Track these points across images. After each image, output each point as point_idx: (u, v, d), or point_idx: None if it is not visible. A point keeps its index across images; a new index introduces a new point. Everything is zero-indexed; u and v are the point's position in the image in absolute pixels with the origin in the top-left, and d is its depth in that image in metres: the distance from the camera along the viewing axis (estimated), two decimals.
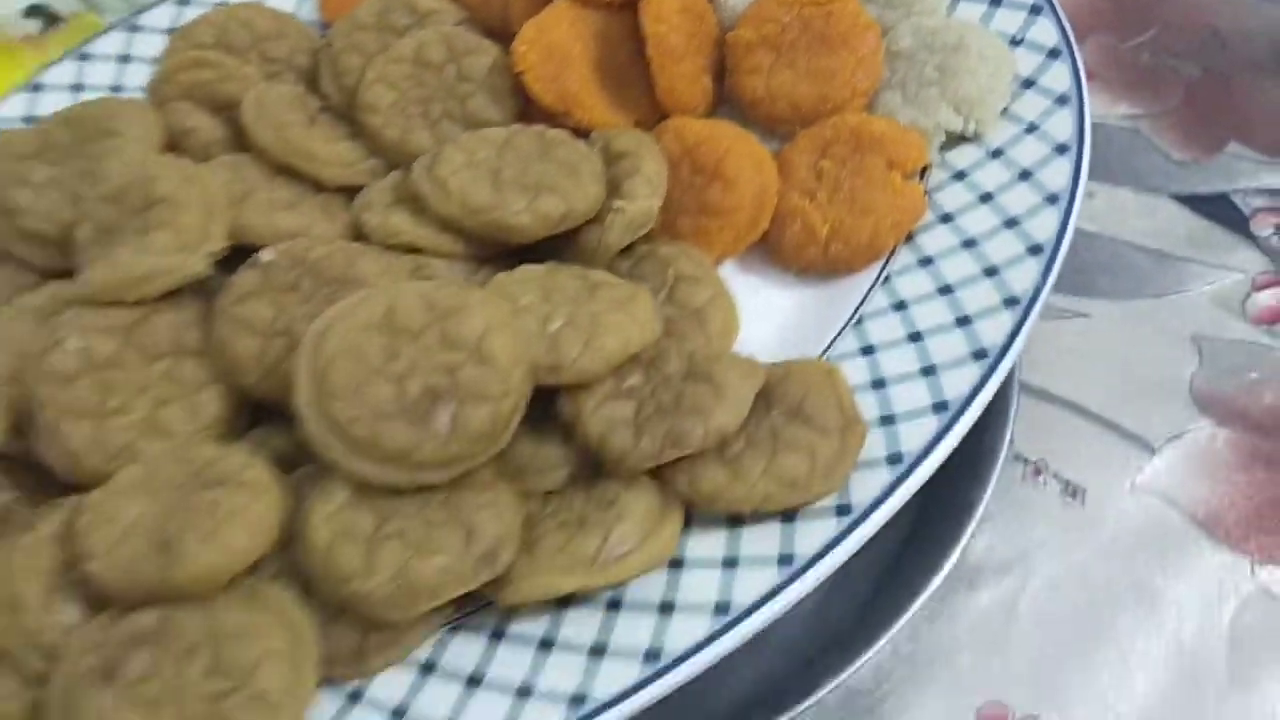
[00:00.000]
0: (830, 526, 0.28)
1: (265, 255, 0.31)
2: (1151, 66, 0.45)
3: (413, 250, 0.33)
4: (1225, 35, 0.45)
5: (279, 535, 0.28)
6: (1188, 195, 0.41)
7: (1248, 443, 0.35)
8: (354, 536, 0.27)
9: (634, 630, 0.27)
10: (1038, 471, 0.35)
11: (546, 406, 0.30)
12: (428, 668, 0.28)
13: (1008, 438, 0.33)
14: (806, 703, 0.31)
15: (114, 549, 0.27)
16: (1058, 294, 0.39)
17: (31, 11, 0.52)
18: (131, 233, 0.31)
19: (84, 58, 0.40)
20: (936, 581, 0.31)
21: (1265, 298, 0.38)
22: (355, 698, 0.27)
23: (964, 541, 0.32)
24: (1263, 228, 0.40)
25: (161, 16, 0.41)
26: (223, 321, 0.31)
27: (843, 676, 0.31)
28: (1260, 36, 0.45)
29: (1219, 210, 0.41)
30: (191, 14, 0.41)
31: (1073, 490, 0.35)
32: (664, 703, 0.27)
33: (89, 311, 0.31)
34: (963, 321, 0.31)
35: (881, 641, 0.32)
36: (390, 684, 0.28)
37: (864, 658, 0.32)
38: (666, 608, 0.27)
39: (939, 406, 0.29)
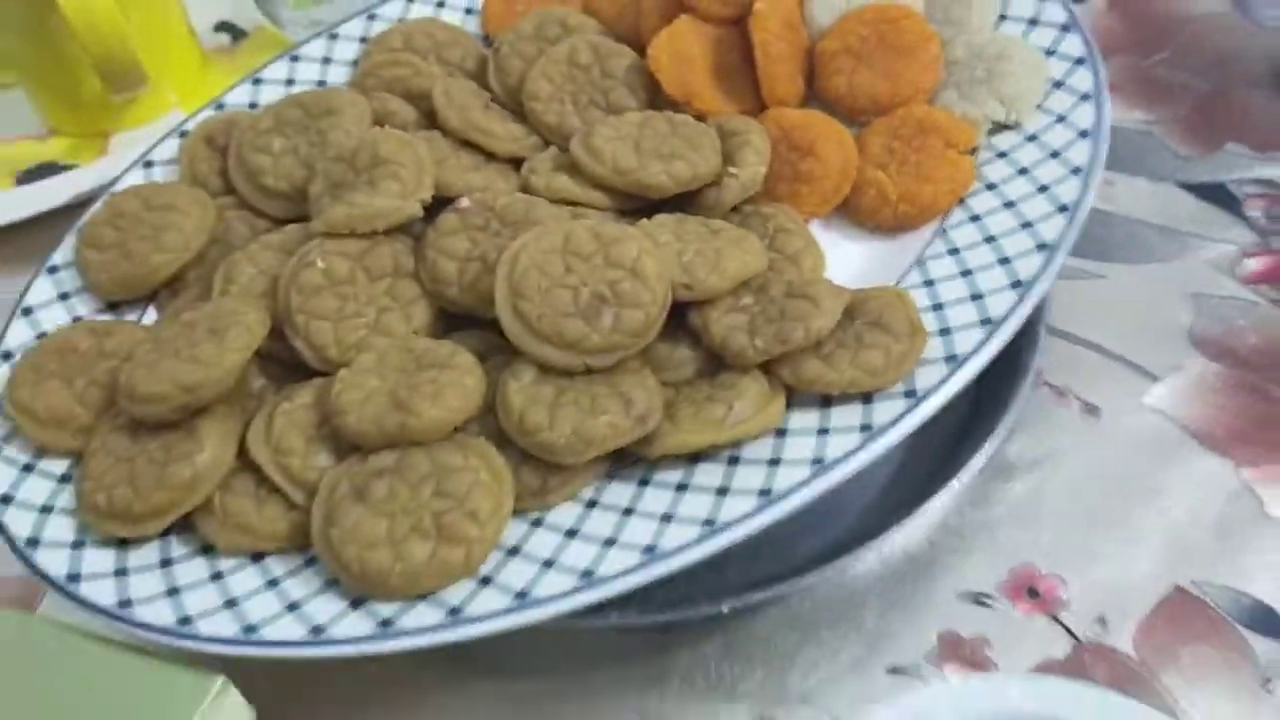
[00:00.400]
0: (899, 405, 0.36)
1: (462, 203, 0.41)
2: (1165, 81, 0.54)
3: (570, 204, 0.42)
4: (1228, 56, 0.54)
5: (482, 403, 0.37)
6: (1191, 183, 0.50)
7: (1234, 374, 0.43)
8: (540, 402, 0.36)
9: (750, 477, 0.36)
10: (1061, 394, 0.44)
11: (680, 318, 0.39)
12: (592, 504, 0.36)
13: (1035, 364, 0.41)
14: (874, 551, 0.39)
15: (360, 407, 0.36)
16: (1081, 259, 0.47)
17: (220, 27, 0.62)
18: (362, 184, 0.41)
19: (294, 59, 0.50)
20: (979, 463, 0.39)
21: (1252, 264, 0.47)
22: (538, 523, 0.36)
23: (1001, 438, 0.40)
24: (1252, 209, 0.48)
25: (355, 27, 0.51)
26: (431, 251, 0.40)
27: (903, 536, 0.40)
28: (1259, 58, 0.54)
29: (1217, 195, 0.49)
30: (379, 27, 0.51)
31: (1090, 408, 0.43)
32: (772, 544, 0.36)
33: (330, 241, 0.40)
34: (1003, 261, 0.39)
35: (934, 511, 0.40)
36: (564, 514, 0.36)
37: (920, 524, 0.40)
38: (774, 462, 0.36)
39: (984, 322, 0.37)
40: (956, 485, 0.39)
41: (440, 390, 0.36)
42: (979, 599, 0.39)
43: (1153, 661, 0.37)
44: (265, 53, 0.50)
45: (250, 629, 0.34)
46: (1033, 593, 0.39)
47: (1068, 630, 0.38)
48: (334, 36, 0.51)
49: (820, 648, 0.31)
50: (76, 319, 0.43)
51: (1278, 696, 0.36)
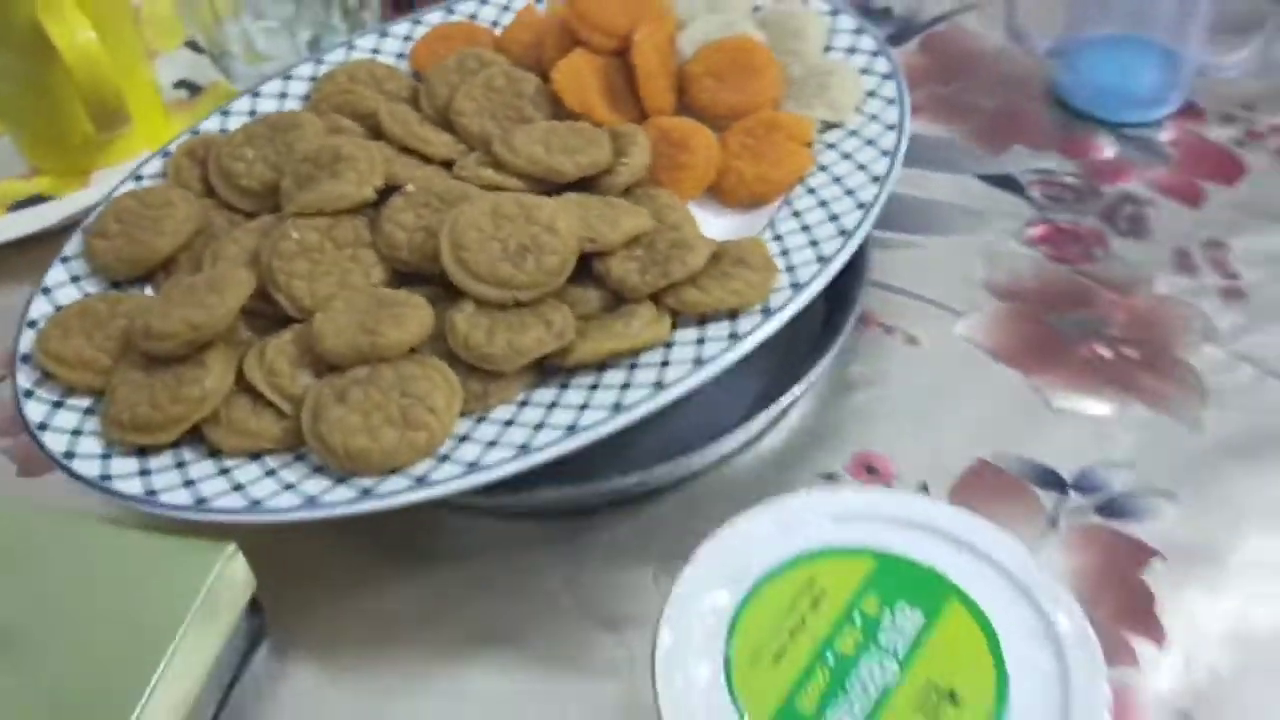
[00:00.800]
0: (758, 319, 0.47)
1: (409, 187, 0.51)
2: (962, 102, 0.67)
3: (495, 189, 0.53)
4: (1010, 80, 0.69)
5: (432, 331, 0.47)
6: (985, 174, 0.63)
7: (1020, 309, 0.56)
8: (480, 327, 0.46)
9: (646, 374, 0.46)
10: (889, 331, 0.55)
11: (586, 268, 0.49)
12: (523, 403, 0.46)
13: (860, 299, 0.52)
14: (751, 450, 0.50)
15: (337, 334, 0.46)
16: (901, 233, 0.60)
17: (179, 84, 0.72)
18: (325, 177, 0.51)
19: (255, 95, 0.61)
20: (826, 362, 0.50)
21: (1032, 230, 0.59)
22: (481, 419, 0.46)
23: (837, 352, 0.51)
24: (1033, 191, 0.62)
25: (305, 69, 0.62)
26: (385, 224, 0.50)
27: (771, 438, 0.51)
28: (1035, 81, 0.68)
29: (1005, 182, 0.62)
30: (325, 69, 0.62)
31: (911, 339, 0.55)
32: (670, 437, 0.46)
33: (302, 219, 0.50)
34: (833, 218, 0.51)
35: (793, 418, 0.51)
36: (502, 411, 0.46)
37: (783, 428, 0.51)
38: (664, 364, 0.46)
39: (820, 259, 0.49)
40: (807, 391, 0.50)
41: (400, 318, 0.46)
42: (830, 476, 0.50)
43: None
44: (218, 105, 0.60)
45: (256, 503, 0.43)
46: (871, 469, 0.50)
47: None
48: (288, 78, 0.61)
49: (710, 520, 0.41)
50: (86, 295, 0.52)
51: (1061, 531, 0.47)
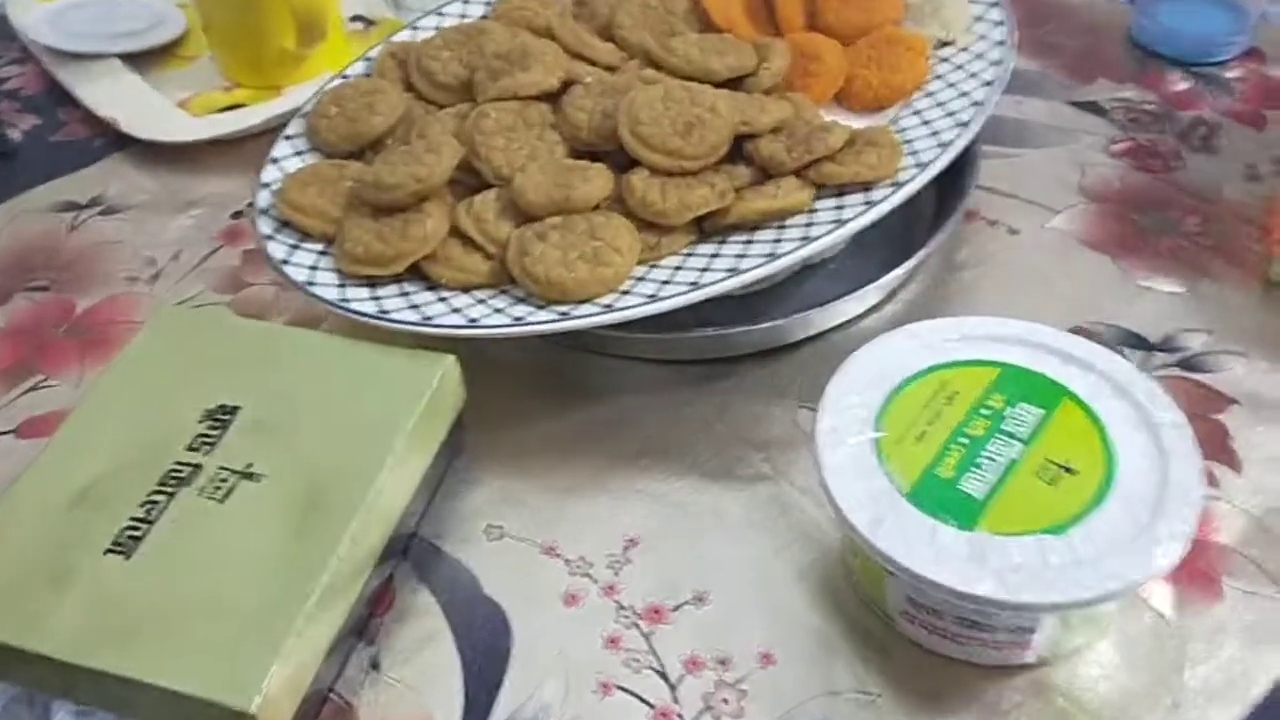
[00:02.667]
0: (889, 190, 0.55)
1: (587, 78, 0.60)
2: (1053, 42, 0.76)
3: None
4: (1096, 25, 0.77)
5: (613, 193, 0.56)
6: (1074, 101, 0.71)
7: (1107, 208, 0.64)
8: (654, 187, 0.55)
9: (793, 232, 0.54)
10: (992, 224, 0.63)
11: (740, 149, 0.58)
12: (689, 254, 0.55)
13: (969, 190, 0.61)
14: (866, 301, 0.58)
15: (536, 188, 0.54)
16: (1003, 146, 0.68)
17: (355, 18, 0.82)
18: (516, 70, 0.60)
19: (440, 14, 0.69)
20: (938, 240, 0.58)
21: (1117, 146, 0.68)
22: (654, 266, 0.54)
23: (950, 226, 0.59)
24: (1116, 115, 0.70)
25: None
26: (567, 108, 0.58)
27: (891, 307, 0.59)
28: (1117, 25, 0.77)
29: (1092, 108, 0.71)
30: None
31: (1013, 230, 0.63)
32: (803, 290, 0.55)
33: (498, 104, 0.59)
34: (949, 114, 0.59)
35: (909, 292, 0.59)
36: (671, 260, 0.54)
37: (902, 299, 0.59)
38: (809, 224, 0.54)
39: (940, 145, 0.57)
40: (921, 266, 0.59)
41: (588, 178, 0.55)
42: None
43: None
44: (386, 36, 0.69)
45: (473, 321, 0.52)
46: None
47: None
48: (466, 0, 0.70)
49: (838, 372, 0.49)
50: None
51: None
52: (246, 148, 0.70)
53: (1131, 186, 0.65)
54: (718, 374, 0.57)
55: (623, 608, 0.48)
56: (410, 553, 0.51)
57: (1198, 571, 0.48)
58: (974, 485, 0.44)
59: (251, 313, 0.62)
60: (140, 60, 0.78)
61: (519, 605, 0.49)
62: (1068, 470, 0.44)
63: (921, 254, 0.58)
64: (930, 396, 0.47)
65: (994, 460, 0.45)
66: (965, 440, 0.45)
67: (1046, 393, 0.47)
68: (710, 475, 0.53)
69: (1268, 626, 0.46)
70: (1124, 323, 0.58)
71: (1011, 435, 0.45)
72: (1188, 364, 0.56)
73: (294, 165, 0.61)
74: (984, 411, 0.46)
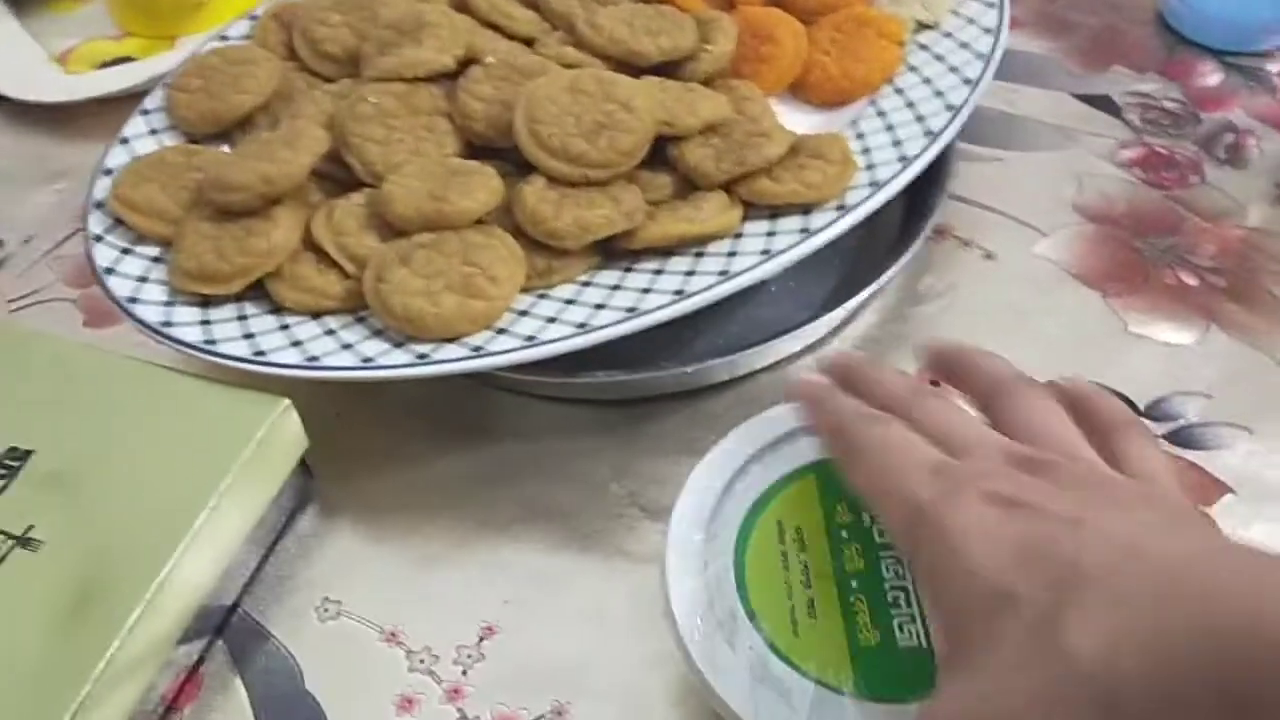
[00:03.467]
0: (832, 215, 0.46)
1: (488, 59, 0.50)
2: (1065, 18, 0.65)
3: (574, 68, 0.52)
4: (1116, 1, 0.66)
5: (502, 203, 0.47)
6: (1081, 94, 0.61)
7: (1106, 231, 0.53)
8: (549, 201, 0.45)
9: (712, 263, 0.45)
10: (965, 243, 0.54)
11: (661, 153, 0.48)
12: (586, 284, 0.46)
13: (940, 204, 0.51)
14: (805, 339, 0.49)
15: (405, 197, 0.45)
16: (982, 145, 0.58)
17: None
18: (407, 43, 0.50)
19: None
20: (896, 269, 0.49)
21: (1127, 153, 0.57)
22: (543, 296, 0.45)
23: (913, 250, 0.49)
24: (1130, 113, 0.59)
25: None
26: (462, 93, 0.49)
27: (837, 343, 0.50)
28: (1143, 3, 0.66)
29: (1102, 103, 0.60)
30: None
31: (988, 254, 0.53)
32: (730, 334, 0.46)
33: (379, 85, 0.49)
34: (919, 119, 0.49)
35: (860, 325, 0.50)
36: (564, 290, 0.45)
37: (849, 335, 0.50)
38: (731, 254, 0.45)
39: (902, 159, 0.47)
40: (875, 298, 0.49)
41: (469, 188, 0.46)
42: None
43: None
44: None
45: (313, 359, 0.43)
46: (934, 384, 0.49)
47: None
48: None
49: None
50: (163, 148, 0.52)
51: None
52: (127, 110, 0.61)
53: (1139, 206, 0.55)
54: (625, 417, 0.49)
55: (465, 718, 0.40)
56: (227, 630, 0.43)
57: None
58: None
59: (101, 315, 0.54)
60: (24, 2, 0.69)
61: (343, 707, 0.41)
62: None
63: (873, 286, 0.49)
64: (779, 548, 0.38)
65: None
66: (857, 584, 0.36)
67: None
68: (594, 550, 0.45)
69: None
70: (1109, 379, 0.48)
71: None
72: (1179, 437, 0.46)
73: (148, 147, 0.52)
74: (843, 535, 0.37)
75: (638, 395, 0.49)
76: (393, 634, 0.43)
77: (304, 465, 0.46)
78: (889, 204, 0.52)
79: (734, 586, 0.36)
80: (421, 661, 0.42)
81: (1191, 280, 0.52)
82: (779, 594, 0.36)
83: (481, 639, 0.42)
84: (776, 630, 0.35)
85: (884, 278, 0.48)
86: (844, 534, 0.37)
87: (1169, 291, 0.51)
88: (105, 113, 0.63)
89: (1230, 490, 0.45)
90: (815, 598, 0.36)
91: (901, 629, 0.35)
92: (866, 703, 0.33)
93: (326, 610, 0.44)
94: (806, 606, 0.36)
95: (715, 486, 0.39)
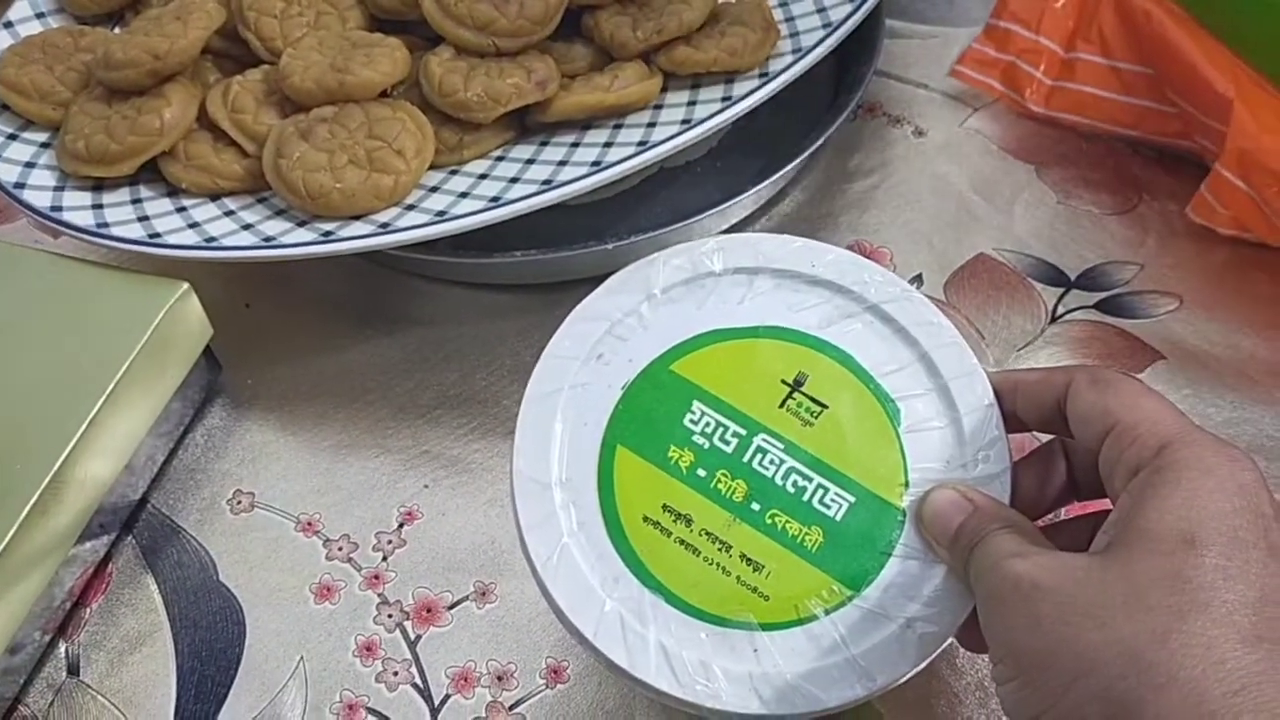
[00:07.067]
0: (754, 83, 0.44)
1: None
2: None
3: None
4: None
5: (408, 75, 0.44)
6: None
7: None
8: (457, 72, 0.43)
9: (631, 134, 0.43)
10: (895, 121, 0.52)
11: (575, 25, 0.46)
12: (500, 158, 0.44)
13: (868, 79, 0.49)
14: (732, 216, 0.47)
15: (305, 71, 0.43)
16: (914, 21, 0.56)
17: None
18: None
19: None
20: (820, 143, 0.47)
21: None
22: (454, 172, 0.44)
23: (838, 124, 0.48)
24: None
25: None
26: None
27: (753, 205, 0.48)
28: None
29: None
30: None
31: (919, 130, 0.52)
32: (656, 204, 0.44)
33: None
34: None
35: (788, 204, 0.49)
36: (477, 165, 0.44)
37: (778, 213, 0.49)
38: (651, 125, 0.44)
39: (826, 25, 0.46)
40: (802, 175, 0.48)
41: (373, 59, 0.43)
42: None
43: (955, 300, 0.46)
44: None
45: (211, 239, 0.41)
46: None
47: None
48: None
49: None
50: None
51: (1060, 326, 0.45)
52: None
53: None
54: (546, 303, 0.47)
55: (386, 603, 0.39)
56: (136, 526, 0.41)
57: None
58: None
59: None
60: None
61: (259, 598, 0.40)
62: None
63: (798, 161, 0.47)
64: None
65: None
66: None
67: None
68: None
69: None
70: (1038, 250, 0.48)
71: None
72: (1110, 306, 0.46)
73: (33, 31, 0.49)
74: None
75: (558, 278, 0.47)
76: (309, 524, 0.41)
77: (210, 356, 0.44)
78: (817, 82, 0.51)
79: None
80: (340, 549, 0.41)
81: (1128, 152, 0.51)
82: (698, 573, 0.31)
83: (401, 525, 0.41)
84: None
85: (807, 151, 0.47)
86: (700, 474, 0.31)
87: (1106, 163, 0.50)
88: None
89: (1161, 355, 0.44)
90: (735, 546, 0.31)
91: (829, 505, 0.31)
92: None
93: (239, 502, 0.42)
94: (742, 560, 0.31)
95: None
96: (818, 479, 0.31)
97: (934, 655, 0.30)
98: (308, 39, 0.45)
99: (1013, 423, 0.32)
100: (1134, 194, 0.49)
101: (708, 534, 0.31)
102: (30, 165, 0.44)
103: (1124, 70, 0.50)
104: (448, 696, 0.37)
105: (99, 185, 0.43)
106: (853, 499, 0.31)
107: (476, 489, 0.42)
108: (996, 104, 0.52)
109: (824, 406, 0.32)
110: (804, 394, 0.32)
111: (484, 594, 0.39)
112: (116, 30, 0.49)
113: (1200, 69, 0.45)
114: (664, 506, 0.31)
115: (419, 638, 0.38)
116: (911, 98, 0.53)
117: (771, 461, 0.31)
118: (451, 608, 0.39)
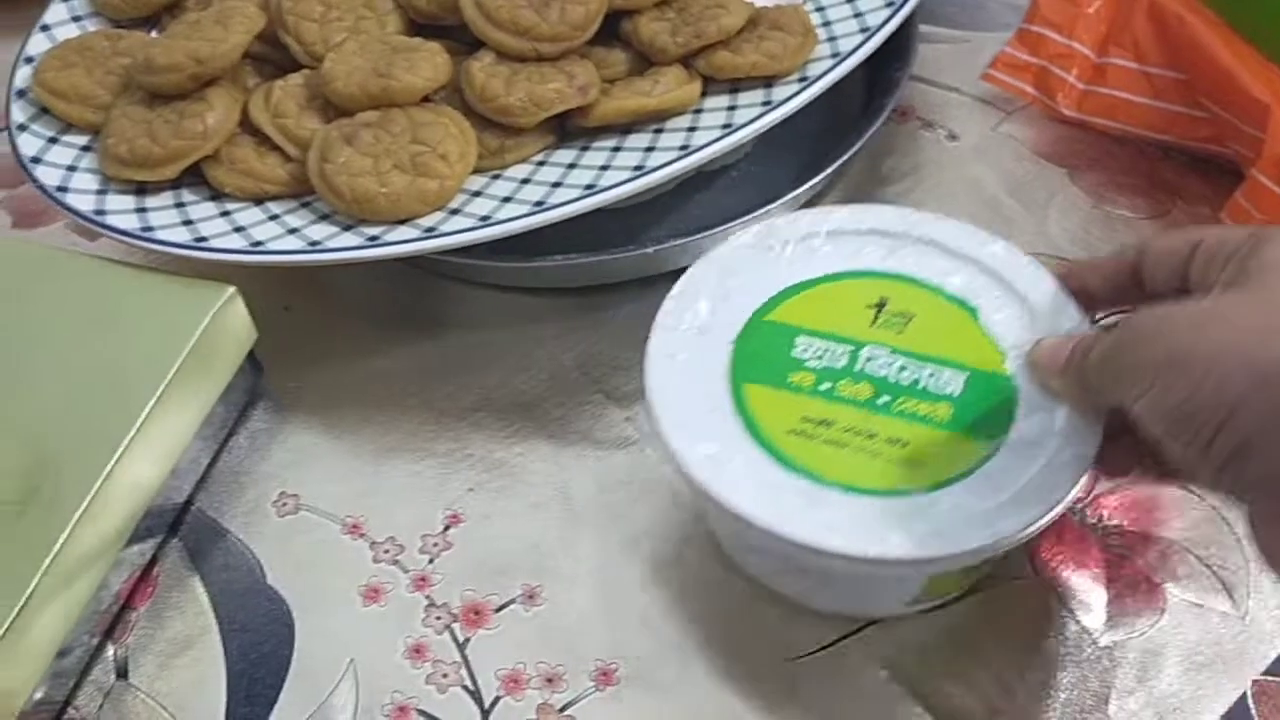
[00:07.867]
0: (794, 87, 0.44)
1: None
2: None
3: None
4: None
5: (449, 80, 0.44)
6: None
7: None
8: (499, 76, 0.44)
9: (671, 139, 0.43)
10: (928, 125, 0.53)
11: (615, 30, 0.47)
12: (541, 163, 0.44)
13: (903, 83, 0.50)
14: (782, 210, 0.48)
15: (348, 76, 0.43)
16: (946, 27, 0.56)
17: None
18: None
19: None
20: (855, 150, 0.47)
21: None
22: (497, 176, 0.44)
23: (873, 130, 0.48)
24: None
25: None
26: None
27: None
28: None
29: None
30: None
31: (952, 135, 0.52)
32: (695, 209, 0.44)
33: None
34: None
35: (815, 193, 0.49)
36: (519, 170, 0.44)
37: (806, 205, 0.49)
38: (692, 129, 0.44)
39: (863, 30, 0.46)
40: (836, 180, 0.48)
41: (414, 63, 0.44)
42: None
43: None
44: None
45: (257, 244, 0.41)
46: None
47: None
48: None
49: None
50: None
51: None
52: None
53: None
54: (584, 306, 0.47)
55: (434, 605, 0.39)
56: (181, 529, 0.42)
57: (1138, 574, 0.39)
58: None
59: (30, 215, 0.51)
60: None
61: (308, 600, 0.40)
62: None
63: (834, 166, 0.47)
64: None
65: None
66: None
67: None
68: (558, 438, 0.44)
69: (1216, 649, 0.37)
70: (1073, 254, 0.48)
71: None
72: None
73: (69, 34, 0.49)
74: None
75: (597, 282, 0.48)
76: (355, 526, 0.41)
77: (254, 360, 0.44)
78: (852, 87, 0.52)
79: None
80: (386, 551, 0.41)
81: (1162, 157, 0.51)
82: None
83: (447, 527, 0.41)
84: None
85: (845, 156, 0.47)
86: (825, 386, 0.36)
87: (1134, 168, 0.51)
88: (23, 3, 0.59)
89: None
90: (878, 433, 0.35)
91: (946, 384, 0.35)
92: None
93: (284, 505, 0.42)
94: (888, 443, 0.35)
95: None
96: (929, 368, 0.36)
97: (1083, 479, 0.33)
98: (349, 44, 0.45)
99: (1082, 299, 0.36)
100: (1167, 199, 0.49)
101: (849, 429, 0.35)
102: (72, 169, 0.44)
103: (1156, 75, 0.50)
104: (498, 698, 0.37)
105: (141, 189, 0.44)
106: (965, 375, 0.35)
107: (520, 492, 0.42)
108: (1028, 108, 0.53)
109: (910, 316, 0.37)
110: (889, 311, 0.37)
111: (531, 597, 0.40)
112: (153, 34, 0.49)
113: (1236, 75, 0.46)
114: (803, 418, 0.35)
115: (468, 640, 0.39)
116: (944, 102, 0.53)
117: (883, 364, 0.36)
118: (499, 610, 0.39)
